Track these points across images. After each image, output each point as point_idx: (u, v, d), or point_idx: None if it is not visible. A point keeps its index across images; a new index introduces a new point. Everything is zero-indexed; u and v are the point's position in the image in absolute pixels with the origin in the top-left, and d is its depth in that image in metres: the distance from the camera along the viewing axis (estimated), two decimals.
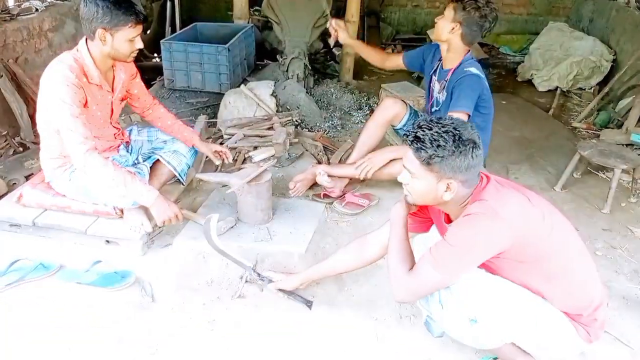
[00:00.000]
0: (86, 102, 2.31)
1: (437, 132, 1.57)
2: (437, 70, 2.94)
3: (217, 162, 2.84)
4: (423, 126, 1.60)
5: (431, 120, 1.61)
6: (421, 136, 1.58)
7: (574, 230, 1.77)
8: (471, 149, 1.57)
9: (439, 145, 1.56)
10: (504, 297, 1.69)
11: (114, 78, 2.48)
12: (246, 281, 2.32)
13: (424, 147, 1.58)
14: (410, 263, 1.75)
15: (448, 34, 2.73)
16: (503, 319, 1.70)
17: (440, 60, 2.92)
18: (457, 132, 1.56)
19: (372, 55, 3.28)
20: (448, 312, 1.74)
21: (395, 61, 3.20)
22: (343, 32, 3.14)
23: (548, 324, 1.72)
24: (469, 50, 2.81)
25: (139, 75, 2.68)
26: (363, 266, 2.17)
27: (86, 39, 2.31)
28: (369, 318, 2.22)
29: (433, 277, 1.65)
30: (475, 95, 2.69)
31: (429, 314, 1.90)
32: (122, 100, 2.62)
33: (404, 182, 1.73)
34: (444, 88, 2.85)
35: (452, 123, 1.59)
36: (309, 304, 2.24)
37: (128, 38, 2.25)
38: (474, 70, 2.72)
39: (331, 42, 3.25)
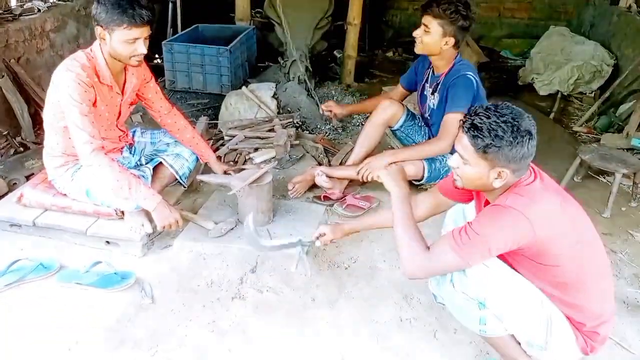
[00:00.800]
0: (95, 101, 2.32)
1: (495, 121, 1.55)
2: (428, 78, 2.96)
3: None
4: (480, 113, 1.58)
5: (488, 108, 1.59)
6: (478, 124, 1.57)
7: (602, 248, 1.75)
8: (528, 139, 1.56)
9: (496, 135, 1.55)
10: (515, 288, 1.70)
11: (125, 81, 2.49)
12: (306, 253, 2.37)
13: (481, 135, 1.56)
14: (423, 240, 1.75)
15: (441, 48, 2.74)
16: (510, 309, 1.69)
17: (429, 68, 2.94)
18: (516, 122, 1.55)
19: (375, 105, 3.19)
20: (458, 293, 1.71)
21: (397, 92, 3.25)
22: (337, 108, 3.25)
23: (551, 323, 1.72)
24: (458, 52, 2.82)
25: (153, 80, 2.67)
26: None
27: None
28: (370, 321, 2.21)
29: (450, 260, 1.65)
30: (471, 95, 2.71)
31: (435, 292, 1.88)
32: (131, 104, 2.62)
33: (453, 166, 1.72)
34: (436, 91, 2.86)
35: (511, 112, 1.57)
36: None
37: (125, 39, 2.21)
38: (466, 70, 2.74)
39: (334, 123, 3.54)
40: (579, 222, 1.68)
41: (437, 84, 2.84)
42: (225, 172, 2.83)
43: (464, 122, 1.62)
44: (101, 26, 2.22)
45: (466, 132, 1.61)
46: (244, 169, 2.84)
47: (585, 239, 1.68)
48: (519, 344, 1.79)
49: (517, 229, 1.58)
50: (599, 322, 1.73)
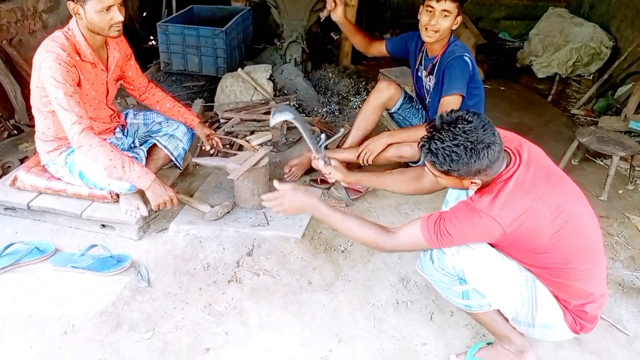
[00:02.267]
0: (79, 81, 2.28)
1: (448, 145, 1.57)
2: (422, 60, 2.92)
3: (207, 147, 2.81)
4: (435, 137, 1.60)
5: (443, 127, 1.59)
6: (434, 150, 1.60)
7: (594, 229, 1.74)
8: (486, 152, 1.56)
9: (452, 160, 1.57)
10: (494, 264, 1.73)
11: (107, 57, 2.44)
12: (326, 147, 2.45)
13: (438, 161, 1.61)
14: (375, 225, 1.83)
15: (452, 29, 2.69)
16: (490, 283, 1.73)
17: (422, 50, 2.90)
18: (469, 142, 1.55)
19: (358, 40, 3.17)
20: (440, 267, 1.76)
21: (378, 48, 3.13)
22: (341, 9, 3.02)
23: (535, 299, 1.75)
24: (452, 33, 2.78)
25: (133, 57, 2.64)
26: (409, 193, 2.27)
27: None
28: (366, 303, 2.22)
29: (420, 245, 1.75)
30: (467, 76, 2.68)
31: (420, 268, 1.89)
32: (117, 80, 2.58)
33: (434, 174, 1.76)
34: (432, 73, 2.82)
35: (464, 132, 1.56)
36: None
37: (99, 8, 2.16)
38: (461, 51, 2.70)
39: (323, 15, 3.10)
40: (566, 208, 1.64)
41: (433, 66, 2.81)
42: (208, 137, 2.79)
43: (422, 146, 1.65)
44: (72, 0, 2.17)
45: (425, 157, 1.66)
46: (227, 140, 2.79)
47: (572, 224, 1.64)
48: (507, 320, 1.81)
49: (486, 231, 1.63)
50: (585, 301, 1.74)
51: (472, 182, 1.64)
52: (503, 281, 1.73)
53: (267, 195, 2.04)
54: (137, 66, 2.68)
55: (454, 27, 2.68)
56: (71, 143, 2.28)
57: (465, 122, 1.58)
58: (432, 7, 2.61)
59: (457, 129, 1.57)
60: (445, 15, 2.61)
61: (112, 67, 2.46)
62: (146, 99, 2.75)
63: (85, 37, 2.27)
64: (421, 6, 2.67)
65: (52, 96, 2.19)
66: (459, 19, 2.67)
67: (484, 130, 1.57)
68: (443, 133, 1.58)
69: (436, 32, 2.65)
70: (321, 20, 3.23)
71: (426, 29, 2.67)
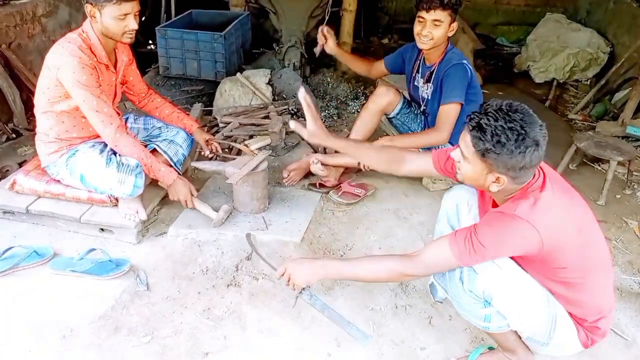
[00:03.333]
0: (99, 81, 2.32)
1: (502, 125, 1.48)
2: (419, 68, 2.93)
3: (206, 153, 2.84)
4: (490, 114, 1.51)
5: (500, 109, 1.51)
6: (484, 125, 1.50)
7: (604, 242, 1.73)
8: (532, 151, 1.49)
9: (499, 141, 1.48)
10: (523, 288, 1.68)
11: (116, 60, 2.48)
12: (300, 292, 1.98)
13: (483, 138, 1.50)
14: (391, 256, 1.76)
15: (447, 36, 2.71)
16: (516, 308, 1.68)
17: (418, 58, 2.91)
18: (523, 130, 1.47)
19: (359, 66, 3.24)
20: (466, 291, 1.69)
21: (379, 68, 3.18)
22: (332, 41, 3.10)
23: (555, 321, 1.71)
24: (449, 41, 2.81)
25: (134, 62, 2.66)
26: (381, 171, 2.22)
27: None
28: (365, 308, 2.22)
29: (448, 264, 1.65)
30: (465, 84, 2.70)
31: (444, 287, 1.82)
32: (122, 84, 2.61)
33: (455, 158, 1.68)
34: (429, 81, 2.84)
35: (522, 119, 1.49)
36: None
37: (116, 15, 2.20)
38: (459, 59, 2.72)
39: (317, 50, 3.18)
40: (585, 222, 1.64)
41: (431, 74, 2.83)
42: (207, 142, 2.83)
43: (470, 119, 1.55)
44: (91, 3, 2.20)
45: (470, 131, 1.55)
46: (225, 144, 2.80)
47: (590, 238, 1.65)
48: (520, 337, 1.80)
49: (525, 240, 1.55)
50: (598, 317, 1.73)
51: (497, 178, 1.55)
52: (528, 305, 1.69)
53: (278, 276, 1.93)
54: (137, 72, 2.71)
55: (449, 34, 2.70)
56: (106, 142, 2.38)
57: (525, 114, 1.51)
58: (423, 18, 2.65)
59: (515, 115, 1.49)
60: (436, 25, 2.64)
61: (120, 70, 2.51)
62: (145, 105, 2.77)
63: (99, 39, 2.32)
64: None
65: (79, 100, 2.24)
66: (455, 25, 2.69)
67: (540, 129, 1.50)
68: (500, 113, 1.50)
69: (430, 39, 2.68)
70: (316, 56, 3.33)
71: (419, 37, 2.70)
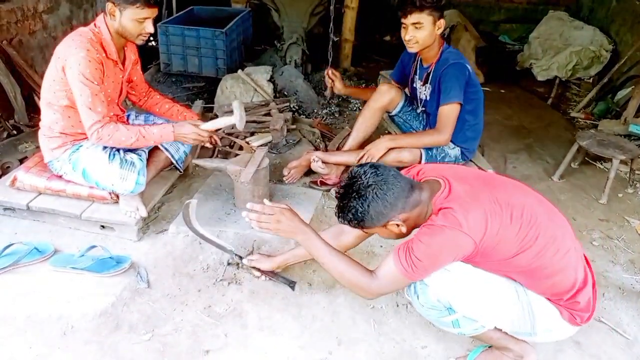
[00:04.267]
0: (103, 77, 2.32)
1: (342, 204, 1.67)
2: (417, 70, 2.93)
3: (208, 145, 2.81)
4: (338, 206, 1.70)
5: (337, 196, 1.71)
6: (339, 215, 1.70)
7: (552, 215, 1.72)
8: (376, 193, 1.60)
9: (352, 215, 1.64)
10: (478, 286, 1.70)
11: (124, 58, 2.50)
12: (228, 264, 2.34)
13: (346, 219, 1.68)
14: (359, 266, 1.78)
15: (435, 35, 2.70)
16: (480, 307, 1.71)
17: (415, 60, 2.92)
18: (353, 195, 1.62)
19: (369, 95, 3.18)
20: (425, 302, 1.74)
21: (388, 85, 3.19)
22: (339, 82, 3.13)
23: (531, 308, 1.73)
24: (444, 40, 2.81)
25: (140, 62, 2.68)
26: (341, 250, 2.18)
27: (104, 15, 2.32)
28: (366, 306, 2.21)
29: (402, 281, 1.70)
30: (463, 83, 2.69)
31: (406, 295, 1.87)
32: (128, 82, 2.61)
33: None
34: (427, 82, 2.83)
35: (348, 186, 1.65)
36: (291, 284, 2.23)
37: (136, 18, 2.25)
38: (455, 58, 2.71)
39: (327, 94, 3.29)
40: (515, 203, 1.64)
41: (428, 75, 2.82)
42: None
43: (337, 216, 1.73)
44: (113, 2, 2.23)
45: (338, 219, 1.72)
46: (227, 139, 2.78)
47: (527, 217, 1.63)
48: (506, 333, 1.80)
49: (458, 246, 1.60)
50: (574, 291, 1.72)
51: (395, 224, 1.66)
52: (492, 300, 1.71)
53: (259, 206, 1.86)
54: (141, 72, 2.72)
55: (438, 32, 2.69)
56: (90, 139, 2.33)
57: (348, 179, 1.66)
58: (404, 23, 2.68)
59: (345, 188, 1.66)
60: (417, 28, 2.66)
61: (128, 68, 2.52)
62: (145, 102, 2.78)
63: (112, 36, 2.33)
64: None
65: (77, 92, 2.24)
66: (441, 22, 2.68)
67: (364, 176, 1.63)
68: (339, 194, 1.69)
69: (415, 42, 2.69)
70: (328, 100, 3.38)
71: (405, 42, 2.73)
